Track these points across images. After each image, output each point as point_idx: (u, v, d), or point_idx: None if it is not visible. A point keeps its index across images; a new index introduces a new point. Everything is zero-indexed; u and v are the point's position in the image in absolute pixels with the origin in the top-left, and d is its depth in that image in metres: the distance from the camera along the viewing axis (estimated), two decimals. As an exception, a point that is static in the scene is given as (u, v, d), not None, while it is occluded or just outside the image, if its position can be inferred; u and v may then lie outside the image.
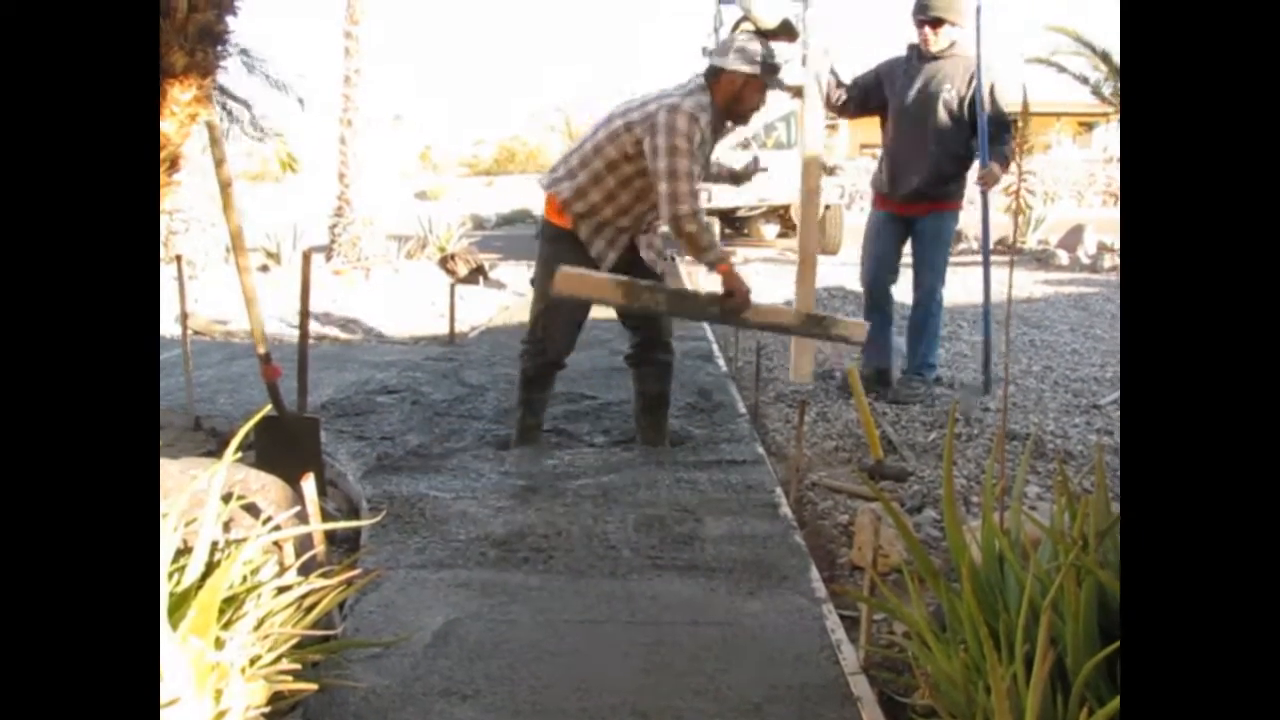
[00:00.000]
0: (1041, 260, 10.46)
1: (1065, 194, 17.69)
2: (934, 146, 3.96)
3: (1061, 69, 14.14)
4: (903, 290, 4.30)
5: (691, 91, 3.02)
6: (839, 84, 4.21)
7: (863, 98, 4.18)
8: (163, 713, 1.33)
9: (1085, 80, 13.76)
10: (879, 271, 4.22)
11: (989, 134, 3.82)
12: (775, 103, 12.44)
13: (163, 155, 2.72)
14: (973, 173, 4.08)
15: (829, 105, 4.24)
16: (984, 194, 4.00)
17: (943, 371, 4.69)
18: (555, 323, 3.25)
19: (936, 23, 3.86)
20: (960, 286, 8.25)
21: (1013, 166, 3.68)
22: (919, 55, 4.01)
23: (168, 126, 2.63)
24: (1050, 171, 18.17)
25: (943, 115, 3.93)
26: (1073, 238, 11.18)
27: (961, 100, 3.91)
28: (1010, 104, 3.88)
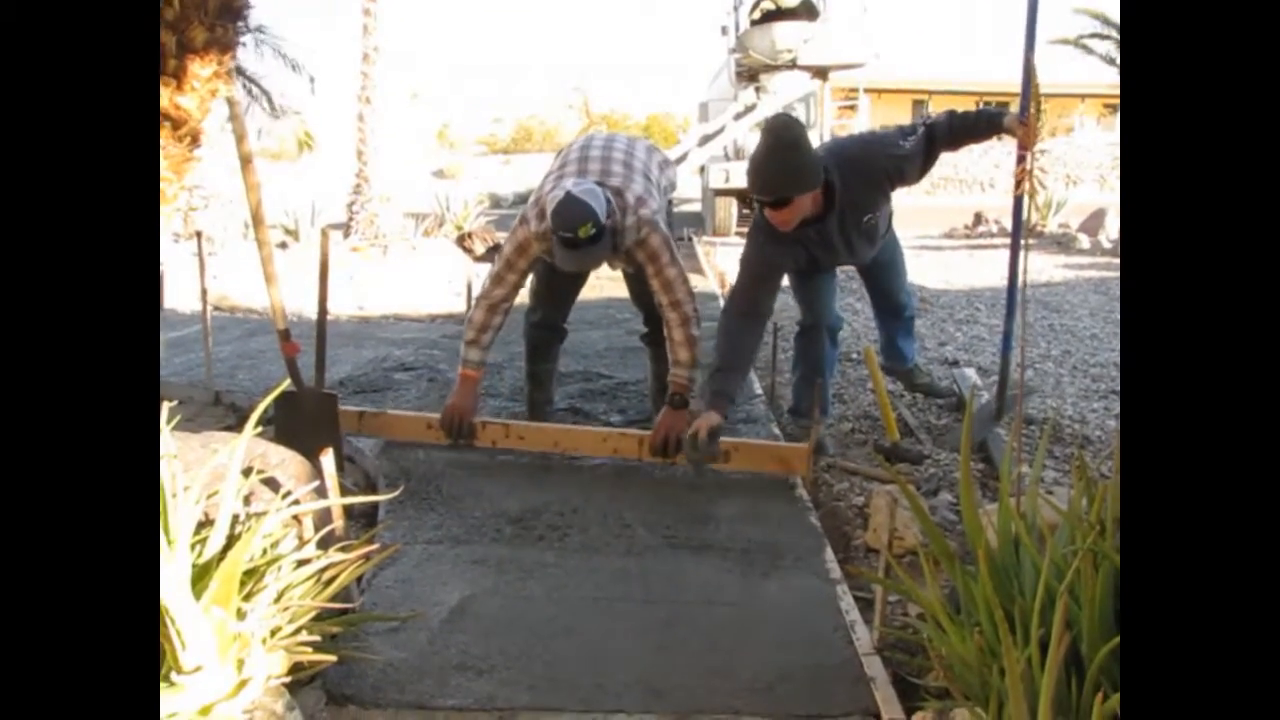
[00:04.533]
0: (1062, 244, 10.35)
1: (1088, 177, 17.45)
2: (867, 240, 3.13)
3: (1087, 50, 13.92)
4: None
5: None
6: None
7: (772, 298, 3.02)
8: (186, 680, 1.36)
9: (1112, 61, 13.54)
10: (830, 307, 3.25)
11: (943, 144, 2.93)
12: (795, 83, 12.38)
13: (183, 130, 2.73)
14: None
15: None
16: (1022, 165, 2.66)
17: (960, 355, 4.67)
18: (550, 288, 3.33)
19: (782, 203, 2.73)
20: (976, 270, 8.16)
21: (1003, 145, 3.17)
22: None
23: (189, 102, 2.64)
24: (1073, 155, 17.92)
25: (876, 230, 3.11)
26: (1094, 221, 11.05)
27: (884, 205, 3.06)
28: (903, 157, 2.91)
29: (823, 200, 2.84)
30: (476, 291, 3.24)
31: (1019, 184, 2.75)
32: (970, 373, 4.10)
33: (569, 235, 2.73)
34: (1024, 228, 2.94)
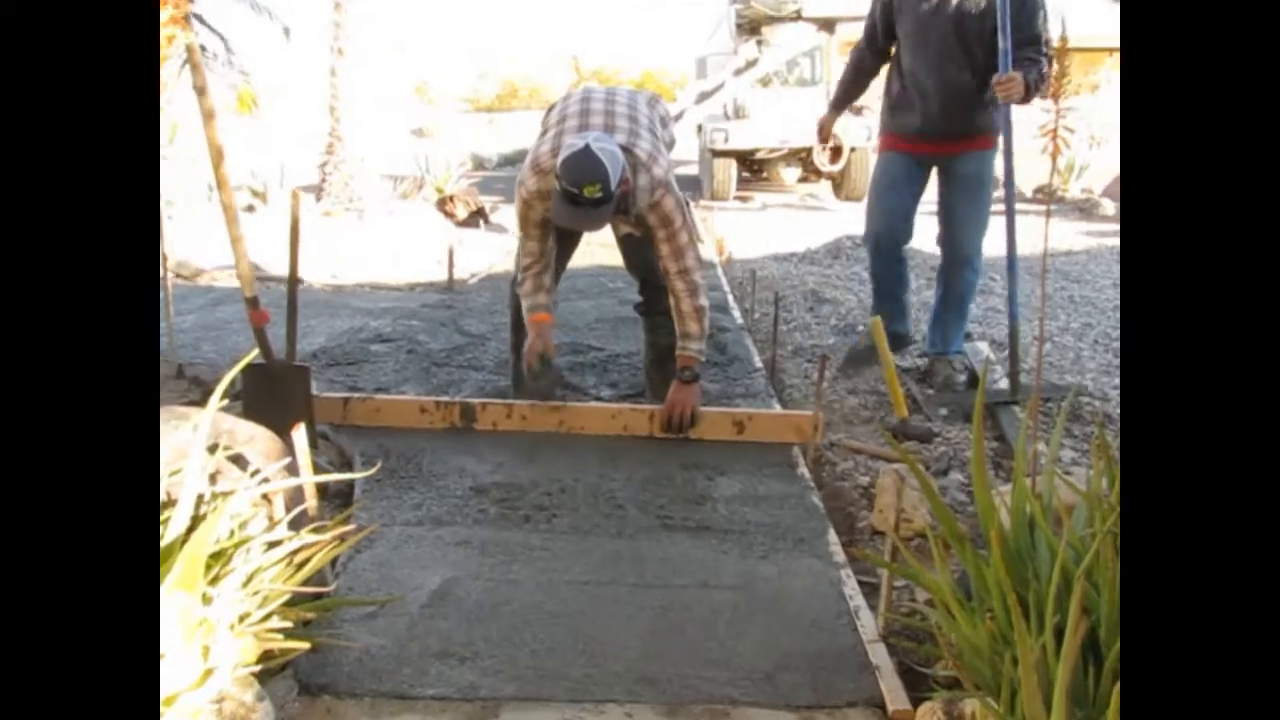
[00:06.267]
0: (1084, 210, 10.34)
1: (1113, 138, 17.35)
2: (954, 65, 3.40)
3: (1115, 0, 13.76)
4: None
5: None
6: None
7: (884, 36, 3.63)
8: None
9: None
10: (890, 226, 3.66)
11: (1013, 51, 3.20)
12: (799, 36, 12.26)
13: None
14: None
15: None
16: (1005, 122, 3.36)
17: (974, 328, 4.67)
18: None
19: None
20: (992, 237, 8.16)
21: (1038, 103, 3.18)
22: None
23: (146, 50, 2.60)
24: (1097, 114, 17.81)
25: (966, 26, 3.34)
26: (1119, 186, 11.04)
27: (990, 22, 3.24)
28: (1041, 25, 3.29)
29: None
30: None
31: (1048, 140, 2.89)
32: (983, 346, 4.11)
33: (573, 190, 2.67)
34: (1014, 191, 3.04)
